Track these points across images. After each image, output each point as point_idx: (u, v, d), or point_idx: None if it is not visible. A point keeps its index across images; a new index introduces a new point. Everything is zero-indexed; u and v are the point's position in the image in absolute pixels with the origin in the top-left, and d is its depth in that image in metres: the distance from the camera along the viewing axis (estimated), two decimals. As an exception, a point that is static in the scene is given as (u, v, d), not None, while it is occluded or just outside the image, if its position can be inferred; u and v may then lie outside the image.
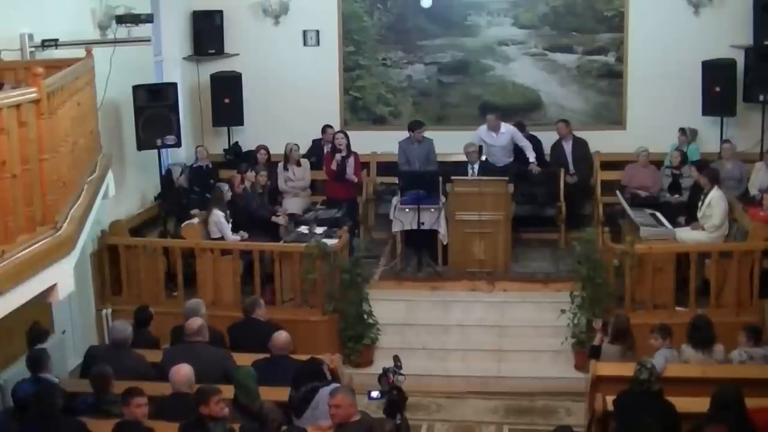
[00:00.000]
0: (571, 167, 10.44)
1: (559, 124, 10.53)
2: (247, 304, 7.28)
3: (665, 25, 10.58)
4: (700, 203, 8.61)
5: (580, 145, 10.55)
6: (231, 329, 7.20)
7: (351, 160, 9.89)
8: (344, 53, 11.27)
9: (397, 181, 9.93)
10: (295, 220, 9.62)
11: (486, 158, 9.95)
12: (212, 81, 10.98)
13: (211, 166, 10.44)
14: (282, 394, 5.93)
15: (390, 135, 10.60)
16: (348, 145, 9.92)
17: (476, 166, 9.63)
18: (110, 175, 7.24)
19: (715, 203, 8.41)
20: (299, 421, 5.72)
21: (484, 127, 10.25)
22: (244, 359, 6.43)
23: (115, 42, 7.92)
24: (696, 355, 6.62)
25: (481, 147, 9.78)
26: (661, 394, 5.75)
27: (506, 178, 9.18)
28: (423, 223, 9.20)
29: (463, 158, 10.03)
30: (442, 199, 9.28)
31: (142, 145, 9.19)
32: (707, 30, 10.40)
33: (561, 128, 10.49)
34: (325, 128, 10.68)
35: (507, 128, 10.25)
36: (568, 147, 10.50)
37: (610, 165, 10.53)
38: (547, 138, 10.64)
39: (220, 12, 11.13)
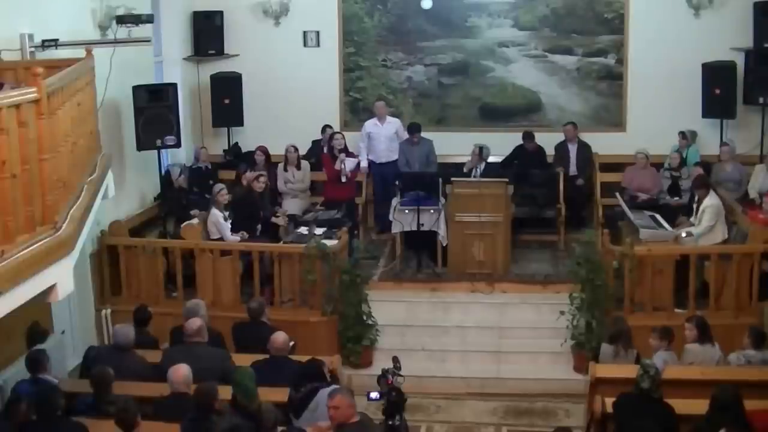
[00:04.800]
0: (572, 169, 10.47)
1: (568, 127, 10.56)
2: (254, 308, 7.20)
3: (665, 27, 10.59)
4: (694, 207, 8.68)
5: (585, 148, 10.58)
6: (235, 329, 7.20)
7: (350, 161, 9.92)
8: (344, 54, 11.28)
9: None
10: (294, 221, 9.62)
11: (369, 156, 10.34)
12: (212, 81, 10.98)
13: (210, 166, 10.44)
14: (281, 394, 5.94)
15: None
16: (345, 146, 9.96)
17: (481, 167, 9.62)
18: (110, 176, 7.25)
19: (708, 211, 8.48)
20: (298, 422, 5.73)
21: (369, 121, 10.55)
22: (243, 360, 6.44)
23: (115, 42, 7.92)
24: (704, 351, 6.65)
25: (481, 149, 9.76)
26: (660, 399, 5.74)
27: (506, 179, 9.18)
28: (422, 225, 9.20)
29: (463, 160, 10.07)
30: (442, 200, 9.28)
31: (141, 145, 9.18)
32: (707, 32, 10.41)
33: (570, 131, 10.52)
34: (325, 128, 10.70)
35: (394, 120, 10.53)
36: (573, 150, 10.53)
37: (609, 167, 10.54)
38: (546, 139, 10.65)
39: (220, 12, 11.14)
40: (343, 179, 9.89)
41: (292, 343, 6.74)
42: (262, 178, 9.29)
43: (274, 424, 5.26)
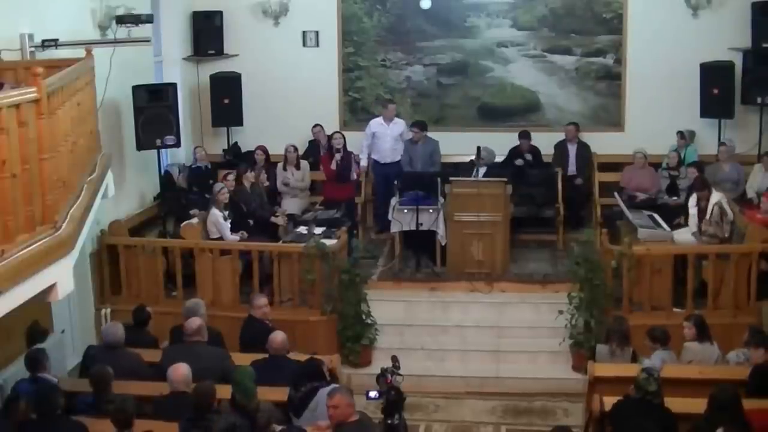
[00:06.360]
0: (571, 169, 10.50)
1: (570, 127, 10.60)
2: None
3: (664, 27, 10.61)
4: (694, 212, 8.65)
5: (584, 148, 10.60)
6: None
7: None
8: (343, 54, 11.29)
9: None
10: (294, 220, 9.63)
11: (371, 154, 10.33)
12: (212, 81, 11.00)
13: (210, 166, 10.46)
14: (280, 393, 5.95)
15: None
16: (345, 146, 9.99)
17: (482, 170, 9.63)
18: (110, 175, 7.26)
19: (723, 202, 8.52)
20: (298, 421, 5.74)
21: (374, 120, 10.52)
22: (243, 359, 6.45)
23: (115, 42, 7.93)
24: (703, 349, 6.67)
25: (479, 148, 9.76)
26: (662, 405, 5.70)
27: (505, 179, 9.19)
28: (421, 224, 9.21)
29: (462, 160, 10.07)
30: (441, 200, 9.29)
31: (141, 145, 9.20)
32: (706, 32, 10.43)
33: (571, 131, 10.56)
34: (314, 127, 10.76)
35: (400, 121, 10.57)
36: (572, 149, 10.56)
37: (608, 167, 10.56)
38: (545, 139, 10.67)
39: (220, 13, 11.16)
40: (354, 176, 10.00)
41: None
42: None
43: (267, 423, 5.26)
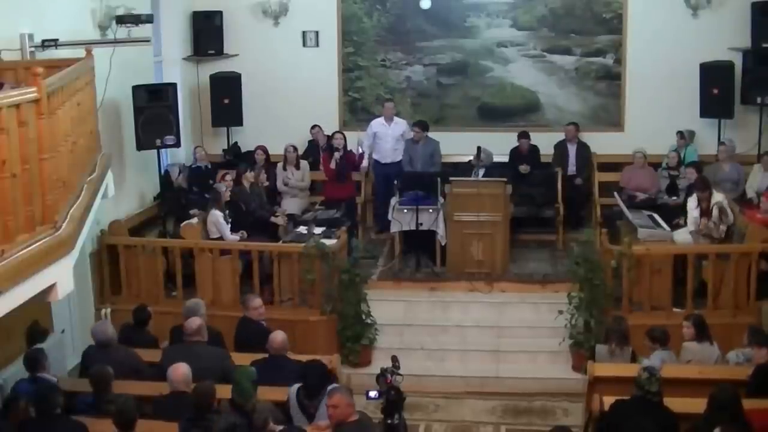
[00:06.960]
0: (571, 169, 10.50)
1: (570, 127, 10.60)
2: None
3: (664, 27, 10.62)
4: (695, 215, 8.62)
5: (584, 149, 10.61)
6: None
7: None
8: (343, 54, 11.30)
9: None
10: (294, 220, 9.64)
11: (372, 154, 10.33)
12: (212, 81, 11.01)
13: (210, 166, 10.46)
14: (280, 393, 5.95)
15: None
16: (345, 146, 9.99)
17: (481, 171, 9.62)
18: (110, 175, 7.27)
19: (725, 202, 8.49)
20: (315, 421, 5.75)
21: (376, 120, 10.49)
22: (243, 359, 6.45)
23: (115, 42, 7.94)
24: (702, 349, 6.67)
25: (479, 148, 9.76)
26: (661, 404, 5.70)
27: (504, 179, 9.19)
28: (421, 224, 9.21)
29: (462, 160, 10.06)
30: (441, 200, 9.29)
31: (141, 145, 9.21)
32: (705, 32, 10.44)
33: (571, 131, 10.56)
34: (313, 128, 10.76)
35: (401, 121, 10.53)
36: (572, 149, 10.56)
37: (608, 167, 10.56)
38: (545, 139, 10.67)
39: (220, 13, 11.16)
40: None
41: None
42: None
43: (265, 423, 5.26)
